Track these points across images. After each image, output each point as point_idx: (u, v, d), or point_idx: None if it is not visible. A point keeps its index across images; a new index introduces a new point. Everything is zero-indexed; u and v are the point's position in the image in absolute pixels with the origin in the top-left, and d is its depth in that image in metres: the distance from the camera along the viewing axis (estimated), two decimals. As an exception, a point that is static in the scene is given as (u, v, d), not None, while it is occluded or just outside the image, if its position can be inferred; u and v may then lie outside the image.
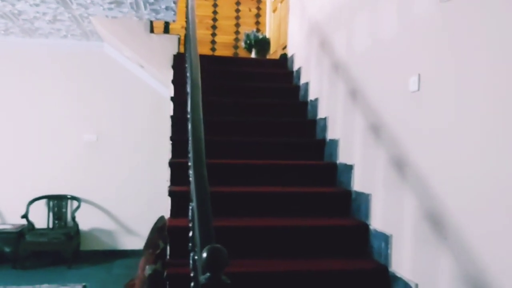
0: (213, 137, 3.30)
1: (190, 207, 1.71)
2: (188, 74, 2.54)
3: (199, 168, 1.69)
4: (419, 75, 2.07)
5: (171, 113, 3.61)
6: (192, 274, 1.52)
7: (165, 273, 2.11)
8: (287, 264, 2.27)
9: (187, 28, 3.25)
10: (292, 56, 4.51)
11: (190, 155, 1.84)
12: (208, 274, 1.14)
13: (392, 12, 2.37)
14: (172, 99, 3.80)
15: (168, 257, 2.37)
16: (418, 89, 2.07)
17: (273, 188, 2.86)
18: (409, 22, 2.19)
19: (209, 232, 1.41)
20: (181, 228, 2.16)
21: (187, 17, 3.35)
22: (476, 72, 1.69)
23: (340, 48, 3.17)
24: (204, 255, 1.18)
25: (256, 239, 2.43)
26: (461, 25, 1.79)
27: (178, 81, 3.93)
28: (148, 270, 2.48)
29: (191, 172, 1.77)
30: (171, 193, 2.63)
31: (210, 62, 4.60)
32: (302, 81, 4.07)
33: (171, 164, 2.92)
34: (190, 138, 1.91)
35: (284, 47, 4.91)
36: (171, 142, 3.19)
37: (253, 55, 5.55)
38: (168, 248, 2.42)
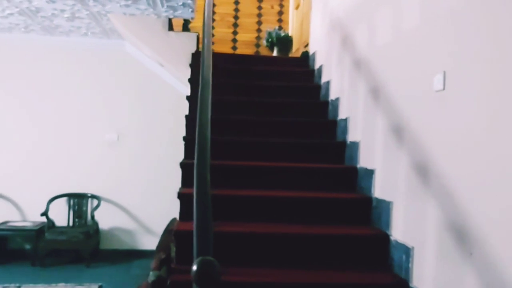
0: (229, 138, 3.20)
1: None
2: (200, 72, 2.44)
3: (201, 169, 1.58)
4: (444, 72, 1.87)
5: (187, 112, 3.52)
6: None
7: (168, 281, 2.00)
8: (300, 274, 2.11)
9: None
10: (313, 54, 4.35)
11: (195, 155, 1.72)
12: (197, 289, 1.03)
13: (416, 1, 2.19)
14: (188, 98, 3.70)
15: (174, 262, 2.27)
16: (444, 88, 1.88)
17: (289, 193, 2.70)
18: (435, 12, 2.00)
19: (206, 241, 1.29)
20: (188, 232, 2.04)
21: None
22: None
23: (361, 43, 2.99)
24: (194, 268, 1.07)
25: (268, 246, 2.28)
26: (495, 15, 1.60)
27: (195, 80, 3.82)
28: (151, 276, 2.38)
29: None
30: (179, 196, 2.52)
31: (230, 61, 4.49)
32: (323, 79, 3.91)
33: (183, 165, 2.82)
34: (196, 137, 1.79)
35: (306, 45, 4.76)
36: (184, 142, 3.09)
37: (275, 53, 5.41)
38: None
